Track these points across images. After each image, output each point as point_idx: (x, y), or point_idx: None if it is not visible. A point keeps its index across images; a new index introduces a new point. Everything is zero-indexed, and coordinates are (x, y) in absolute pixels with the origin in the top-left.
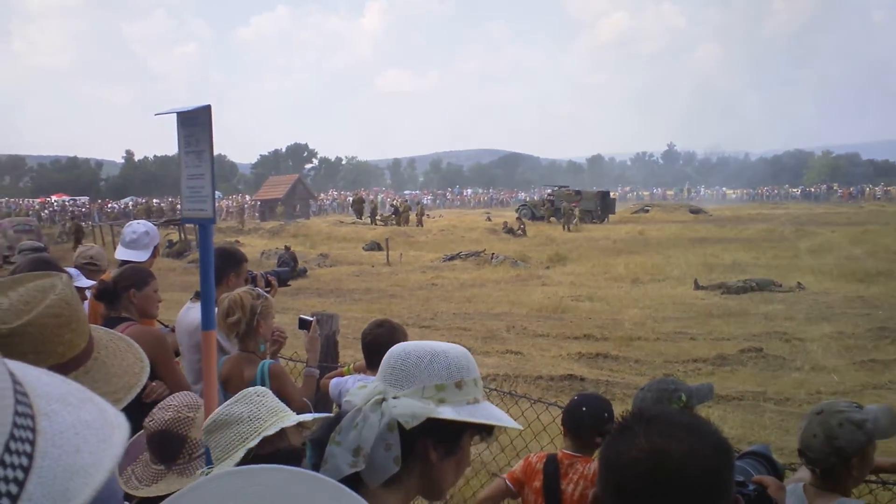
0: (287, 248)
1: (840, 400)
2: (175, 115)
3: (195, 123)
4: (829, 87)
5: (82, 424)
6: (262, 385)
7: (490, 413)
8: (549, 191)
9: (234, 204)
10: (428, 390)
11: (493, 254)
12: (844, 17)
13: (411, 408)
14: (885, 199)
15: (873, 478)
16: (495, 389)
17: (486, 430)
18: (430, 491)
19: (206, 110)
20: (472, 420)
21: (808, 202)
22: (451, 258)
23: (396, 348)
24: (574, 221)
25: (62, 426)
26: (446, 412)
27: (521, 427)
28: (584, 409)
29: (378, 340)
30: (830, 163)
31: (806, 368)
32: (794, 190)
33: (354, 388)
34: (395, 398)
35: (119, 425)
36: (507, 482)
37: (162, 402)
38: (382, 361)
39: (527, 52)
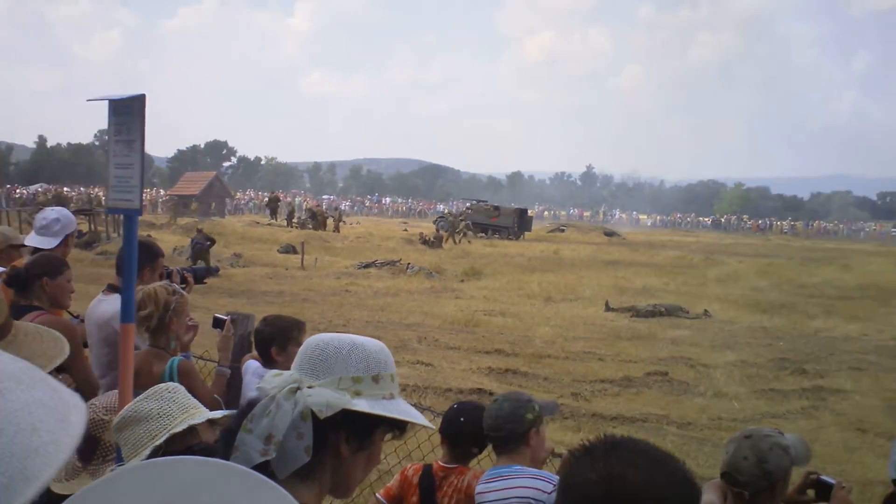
0: (200, 231)
1: (762, 427)
2: (107, 102)
3: (128, 112)
4: (746, 121)
5: (37, 403)
6: (171, 381)
7: (404, 410)
8: (467, 204)
9: (148, 198)
10: (344, 381)
11: (408, 264)
12: (765, 54)
13: (326, 397)
14: (792, 234)
15: None
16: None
17: (398, 427)
18: (338, 486)
19: (140, 99)
20: (386, 415)
21: (718, 232)
22: (367, 266)
23: (314, 338)
24: (463, 235)
25: (17, 404)
26: (361, 405)
27: (433, 427)
28: (462, 419)
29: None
30: (742, 195)
31: (709, 394)
32: (706, 219)
33: (269, 375)
34: (310, 387)
35: (76, 406)
36: (383, 500)
37: None
38: (299, 351)
39: (454, 65)
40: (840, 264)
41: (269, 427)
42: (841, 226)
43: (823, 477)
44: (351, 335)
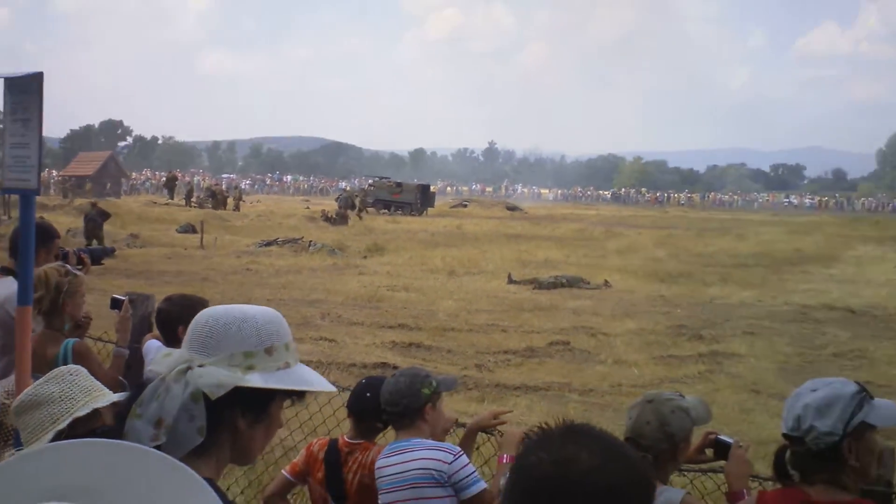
0: (94, 205)
1: (663, 390)
2: (1, 80)
3: (25, 91)
4: (644, 96)
5: None
6: (65, 364)
7: (302, 377)
8: (370, 181)
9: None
10: (236, 357)
11: (311, 241)
12: (662, 31)
13: (217, 377)
14: (689, 206)
15: (692, 466)
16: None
17: (297, 394)
18: (239, 457)
19: (37, 77)
20: (281, 387)
21: (617, 205)
22: (268, 244)
23: (203, 314)
24: (359, 211)
25: None
26: (255, 380)
27: (335, 389)
28: (368, 394)
29: (170, 316)
30: (640, 168)
31: (609, 362)
32: (606, 192)
33: (159, 355)
34: (200, 367)
35: None
36: (289, 476)
37: None
38: (189, 328)
39: (356, 42)
40: (735, 234)
41: (158, 411)
42: (736, 197)
43: (721, 437)
44: (242, 306)
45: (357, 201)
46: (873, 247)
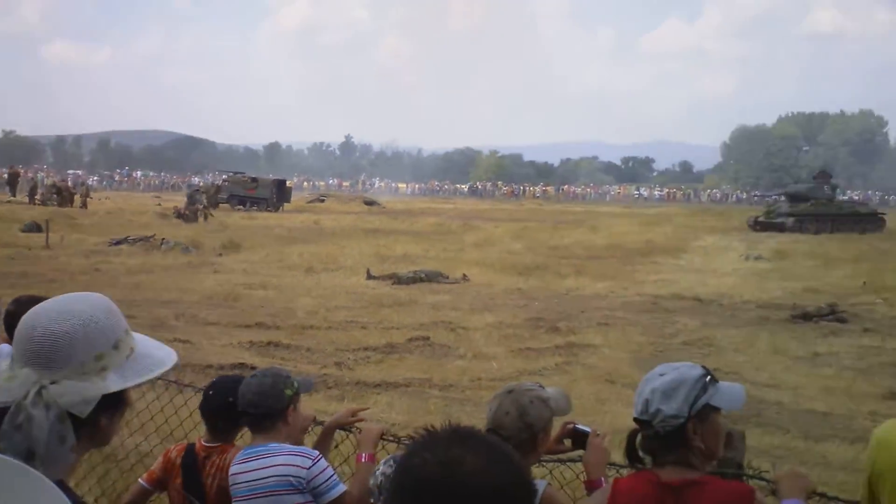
0: None
1: (524, 381)
2: None
3: None
4: (500, 90)
5: None
6: None
7: (150, 358)
8: (223, 177)
9: None
10: (87, 364)
11: (163, 239)
12: (516, 26)
13: (79, 392)
14: (544, 199)
15: (551, 457)
16: (161, 379)
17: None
18: (99, 443)
19: None
20: (140, 382)
21: (474, 198)
22: (118, 243)
23: (35, 326)
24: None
25: None
26: (114, 383)
27: (176, 356)
28: (222, 395)
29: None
30: (496, 162)
31: (469, 356)
32: (463, 186)
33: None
34: (53, 383)
35: None
36: (145, 484)
37: None
38: (20, 342)
39: (208, 35)
40: (588, 226)
41: (25, 442)
42: (589, 190)
43: (579, 426)
44: (67, 304)
45: (204, 199)
46: (719, 237)
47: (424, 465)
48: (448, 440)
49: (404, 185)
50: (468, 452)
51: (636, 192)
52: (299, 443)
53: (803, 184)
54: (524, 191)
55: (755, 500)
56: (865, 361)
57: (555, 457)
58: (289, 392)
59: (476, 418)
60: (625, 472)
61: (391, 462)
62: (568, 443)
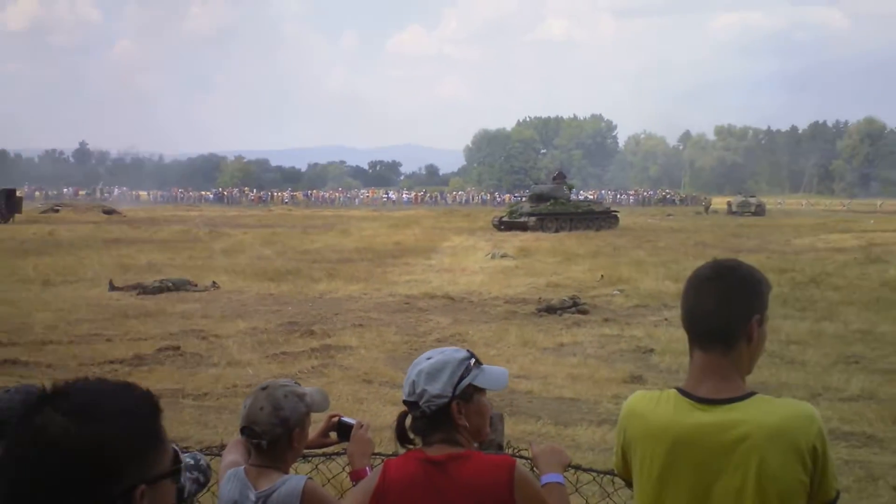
0: None
1: (279, 378)
2: None
3: None
4: (243, 94)
5: None
6: None
7: None
8: None
9: None
10: None
11: None
12: (259, 28)
13: None
14: (293, 204)
15: (316, 451)
16: None
17: None
18: None
19: None
20: None
21: (221, 205)
22: None
23: None
24: None
25: None
26: None
27: None
28: None
29: None
30: (242, 167)
31: (223, 364)
32: (208, 193)
33: None
34: None
35: None
36: None
37: None
38: None
39: None
40: (339, 230)
41: None
42: (338, 194)
43: (344, 418)
44: None
45: None
46: (466, 237)
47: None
48: (55, 405)
49: (146, 193)
50: (72, 419)
51: (384, 196)
52: None
53: (543, 184)
54: (272, 196)
55: (516, 470)
56: (607, 349)
57: (320, 451)
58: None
59: (233, 426)
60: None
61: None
62: (333, 436)
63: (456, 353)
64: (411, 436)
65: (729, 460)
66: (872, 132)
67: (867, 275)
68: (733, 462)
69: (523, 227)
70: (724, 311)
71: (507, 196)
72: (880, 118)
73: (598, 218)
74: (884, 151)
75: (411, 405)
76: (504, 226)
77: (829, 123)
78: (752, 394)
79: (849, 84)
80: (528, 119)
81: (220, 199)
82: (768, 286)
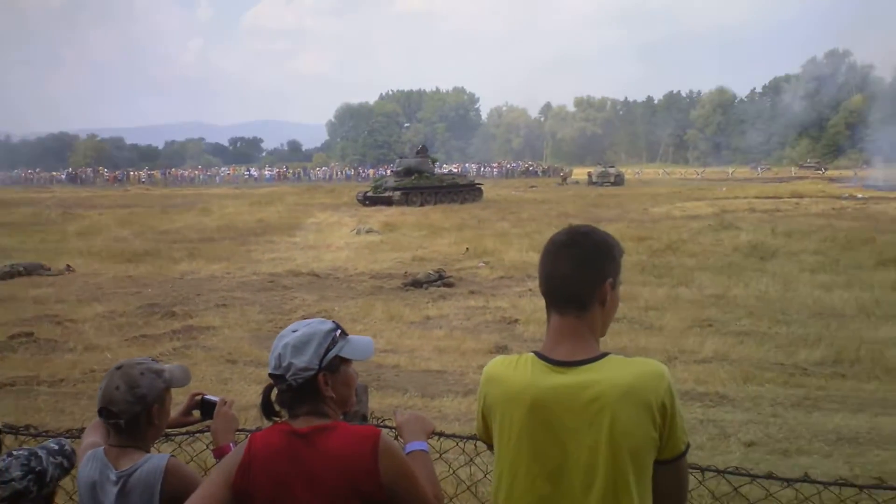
0: None
1: (135, 357)
2: None
3: None
4: (94, 71)
5: None
6: None
7: None
8: None
9: None
10: None
11: None
12: (105, 2)
13: None
14: (150, 183)
15: (180, 430)
16: None
17: None
18: None
19: None
20: None
21: (74, 186)
22: None
23: None
24: None
25: None
26: None
27: None
28: None
29: None
30: (96, 146)
31: (79, 349)
32: (60, 174)
33: None
34: None
35: None
36: None
37: None
38: None
39: None
40: (199, 209)
41: None
42: (197, 172)
43: (208, 396)
44: None
45: None
46: (330, 213)
47: None
48: None
49: None
50: None
51: (246, 173)
52: None
53: (407, 158)
54: (128, 176)
55: (381, 440)
56: (472, 321)
57: (184, 430)
58: None
59: (91, 412)
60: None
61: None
62: (196, 414)
63: (321, 324)
64: (277, 408)
65: (584, 419)
66: (724, 102)
67: (720, 241)
68: (588, 421)
69: (388, 202)
70: (579, 276)
71: (371, 171)
72: (731, 88)
73: (462, 191)
74: (734, 120)
75: (277, 378)
76: (369, 201)
77: (684, 93)
78: (605, 354)
79: (700, 54)
80: (390, 92)
81: (72, 179)
82: (621, 251)
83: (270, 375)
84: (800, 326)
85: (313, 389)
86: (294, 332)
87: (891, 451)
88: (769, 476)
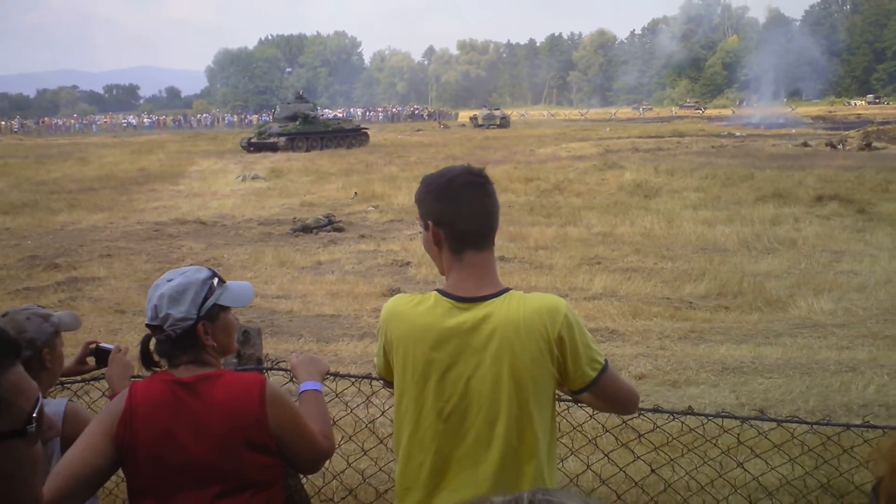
0: None
1: (17, 307)
2: None
3: None
4: None
5: None
6: None
7: None
8: None
9: None
10: None
11: None
12: None
13: None
14: (23, 133)
15: (76, 378)
16: None
17: None
18: None
19: None
20: None
21: None
22: None
23: None
24: None
25: None
26: None
27: None
28: None
29: None
30: None
31: None
32: None
33: None
34: None
35: None
36: None
37: None
38: None
39: None
40: (77, 158)
41: None
42: (72, 121)
43: (102, 344)
44: None
45: None
46: (214, 161)
47: None
48: None
49: None
50: None
51: (124, 121)
52: None
53: (289, 103)
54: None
55: (267, 386)
56: (364, 265)
57: (79, 377)
58: None
59: None
60: None
61: None
62: (91, 361)
63: (197, 272)
64: (157, 358)
65: (485, 354)
66: (605, 43)
67: (606, 180)
68: (489, 355)
69: (273, 148)
70: (496, 210)
71: (255, 117)
72: (612, 30)
73: (348, 136)
74: (616, 62)
75: (155, 328)
76: (253, 147)
77: (566, 36)
78: (506, 290)
79: None
80: (270, 37)
81: None
82: None
83: (148, 326)
84: (684, 262)
85: (193, 339)
86: (169, 281)
87: (773, 379)
88: (656, 409)
